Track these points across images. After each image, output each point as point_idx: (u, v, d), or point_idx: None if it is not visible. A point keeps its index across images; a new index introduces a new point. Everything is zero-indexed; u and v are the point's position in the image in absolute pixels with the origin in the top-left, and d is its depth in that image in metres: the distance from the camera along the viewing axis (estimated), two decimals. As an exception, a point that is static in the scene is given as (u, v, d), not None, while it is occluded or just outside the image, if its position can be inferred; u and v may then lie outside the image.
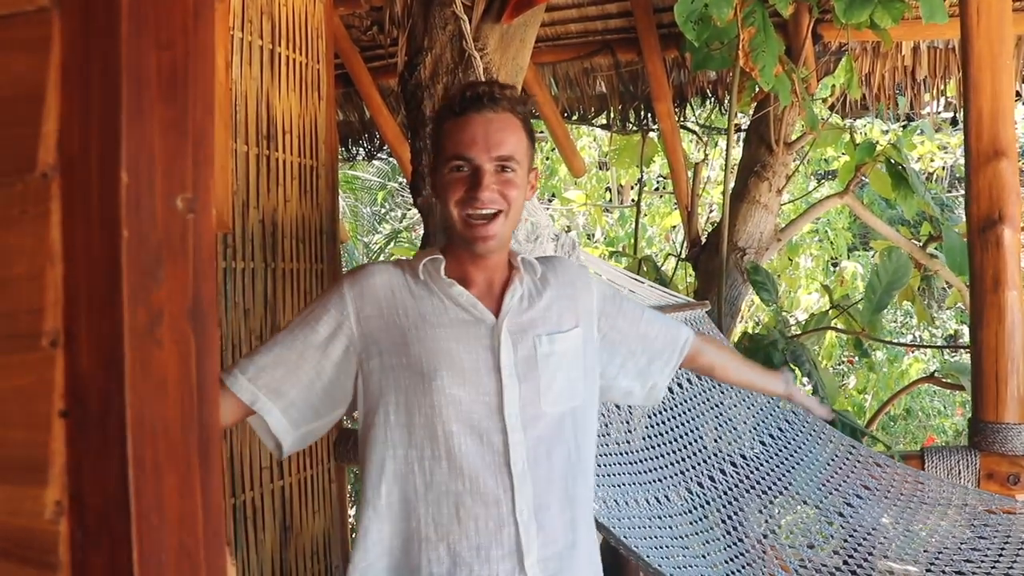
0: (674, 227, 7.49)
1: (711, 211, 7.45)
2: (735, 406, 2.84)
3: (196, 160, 0.61)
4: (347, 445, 3.50)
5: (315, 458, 3.42)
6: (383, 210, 10.14)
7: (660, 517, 2.31)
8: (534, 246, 2.50)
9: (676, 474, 2.51)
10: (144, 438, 0.53)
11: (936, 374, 3.53)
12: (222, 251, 2.89)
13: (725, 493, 2.51)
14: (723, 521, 2.41)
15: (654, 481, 2.44)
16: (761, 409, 2.85)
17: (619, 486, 2.34)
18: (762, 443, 2.74)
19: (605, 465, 2.34)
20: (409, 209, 9.86)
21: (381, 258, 9.59)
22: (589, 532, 1.61)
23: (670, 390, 2.70)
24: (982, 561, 2.20)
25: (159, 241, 0.57)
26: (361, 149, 5.91)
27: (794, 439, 2.78)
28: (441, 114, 1.58)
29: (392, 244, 9.40)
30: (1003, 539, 2.30)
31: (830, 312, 3.75)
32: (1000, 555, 2.22)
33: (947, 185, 10.70)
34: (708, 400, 2.80)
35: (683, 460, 2.57)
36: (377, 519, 1.55)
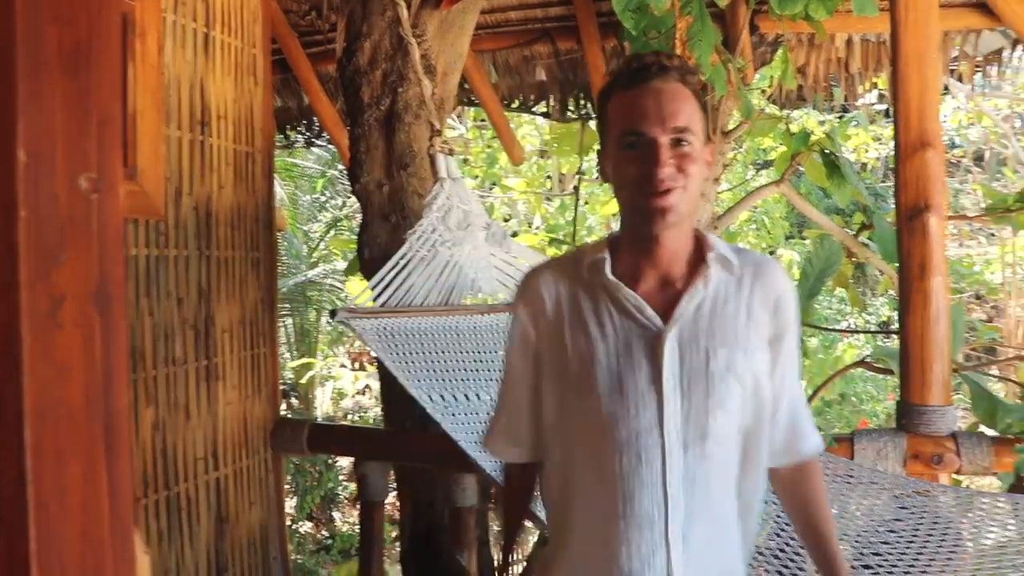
0: (613, 215, 7.54)
1: (650, 199, 7.50)
2: None
3: (101, 139, 0.59)
4: (284, 434, 3.47)
5: (251, 448, 3.37)
6: (323, 198, 10.04)
7: None
8: (465, 233, 2.51)
9: None
10: (44, 424, 0.51)
11: (868, 359, 3.61)
12: (154, 239, 2.83)
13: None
14: None
15: None
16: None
17: None
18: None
19: None
20: (350, 197, 9.76)
21: (321, 246, 9.49)
22: (737, 559, 1.50)
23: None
24: (898, 541, 2.27)
25: (61, 222, 0.56)
26: (300, 136, 5.84)
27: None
28: (606, 91, 1.45)
29: (332, 232, 9.32)
30: (918, 519, 2.38)
31: (764, 299, 3.79)
32: (915, 534, 2.29)
33: (881, 175, 10.94)
34: None
35: None
36: (553, 547, 1.55)
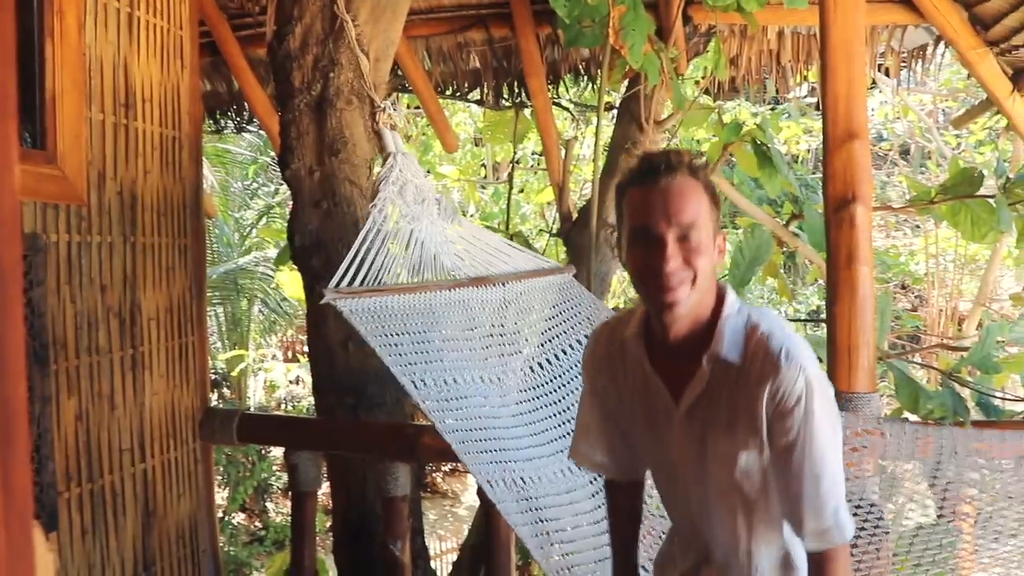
0: (548, 203, 7.55)
1: (584, 188, 7.55)
2: None
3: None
4: (213, 425, 3.41)
5: (179, 439, 3.30)
6: (255, 185, 9.86)
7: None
8: (422, 208, 2.47)
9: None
10: (-69, 415, 0.48)
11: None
12: (76, 224, 2.75)
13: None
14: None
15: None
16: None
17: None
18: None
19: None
20: (282, 184, 9.61)
21: (253, 234, 9.33)
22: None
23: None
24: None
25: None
26: (230, 121, 5.72)
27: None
28: (622, 186, 1.58)
29: (264, 220, 9.16)
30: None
31: (696, 287, 3.84)
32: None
33: (811, 167, 11.15)
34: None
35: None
36: None
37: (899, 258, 10.76)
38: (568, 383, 2.88)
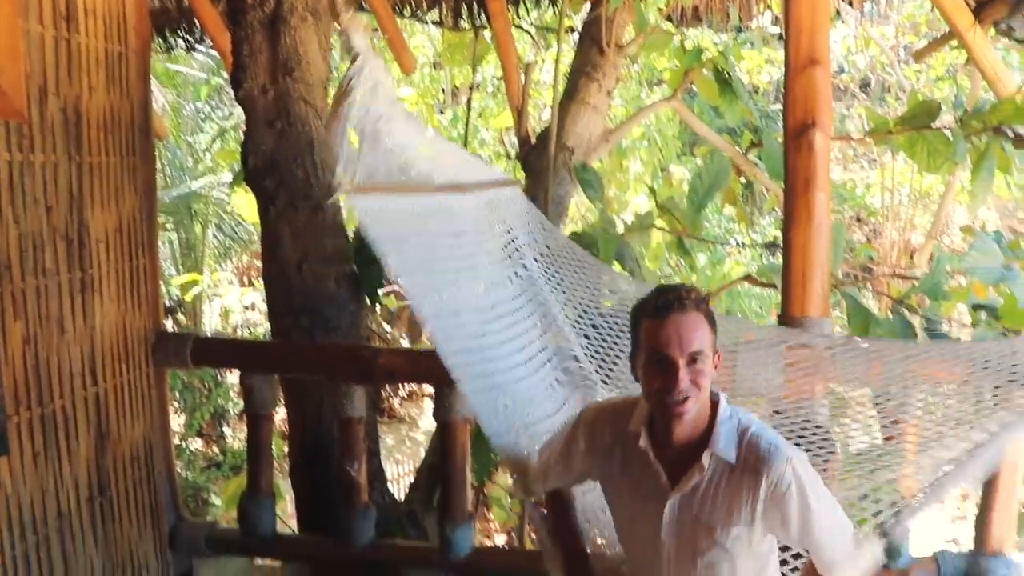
0: (507, 128, 7.46)
1: (544, 112, 7.47)
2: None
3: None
4: (167, 348, 3.37)
5: (132, 362, 3.26)
6: (208, 108, 9.61)
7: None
8: (395, 110, 2.39)
9: None
10: None
11: (753, 276, 3.71)
12: (16, 142, 2.65)
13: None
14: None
15: None
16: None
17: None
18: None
19: None
20: (236, 107, 9.37)
21: (207, 158, 9.14)
22: None
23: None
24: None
25: None
26: (180, 40, 5.55)
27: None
28: (637, 315, 1.91)
29: (219, 144, 8.94)
30: (792, 425, 2.52)
31: (654, 212, 3.85)
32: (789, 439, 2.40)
33: (772, 99, 11.14)
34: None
35: None
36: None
37: (855, 191, 10.85)
38: (524, 305, 2.87)
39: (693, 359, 1.81)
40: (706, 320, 1.85)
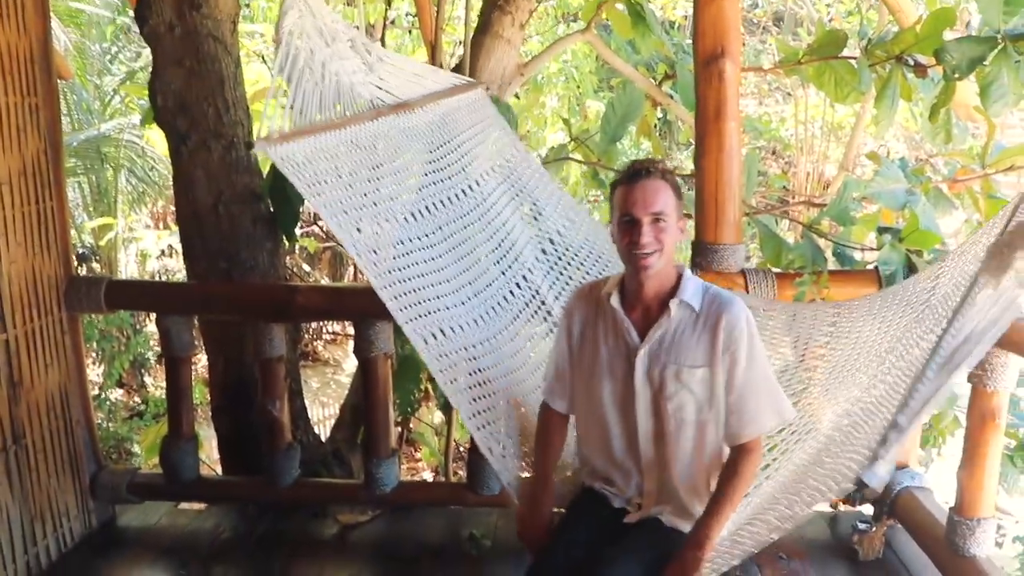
0: (424, 62, 7.35)
1: (457, 49, 7.39)
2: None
3: None
4: (79, 293, 3.29)
5: (43, 308, 3.18)
6: (115, 48, 9.23)
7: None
8: (331, 50, 2.34)
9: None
10: None
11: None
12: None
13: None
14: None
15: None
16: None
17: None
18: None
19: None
20: (145, 47, 9.01)
21: (115, 101, 8.82)
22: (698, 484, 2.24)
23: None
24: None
25: None
26: (80, -26, 5.31)
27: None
28: (614, 184, 2.21)
29: (127, 84, 8.59)
30: None
31: (569, 144, 3.87)
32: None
33: (688, 33, 11.18)
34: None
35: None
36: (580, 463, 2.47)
37: (770, 125, 11.02)
38: (488, 211, 2.88)
39: (656, 219, 2.09)
40: (671, 187, 2.13)
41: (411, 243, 2.49)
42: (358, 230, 2.25)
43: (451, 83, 3.11)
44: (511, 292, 2.79)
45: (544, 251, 2.93)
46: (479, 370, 2.49)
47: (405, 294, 2.34)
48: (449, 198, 2.75)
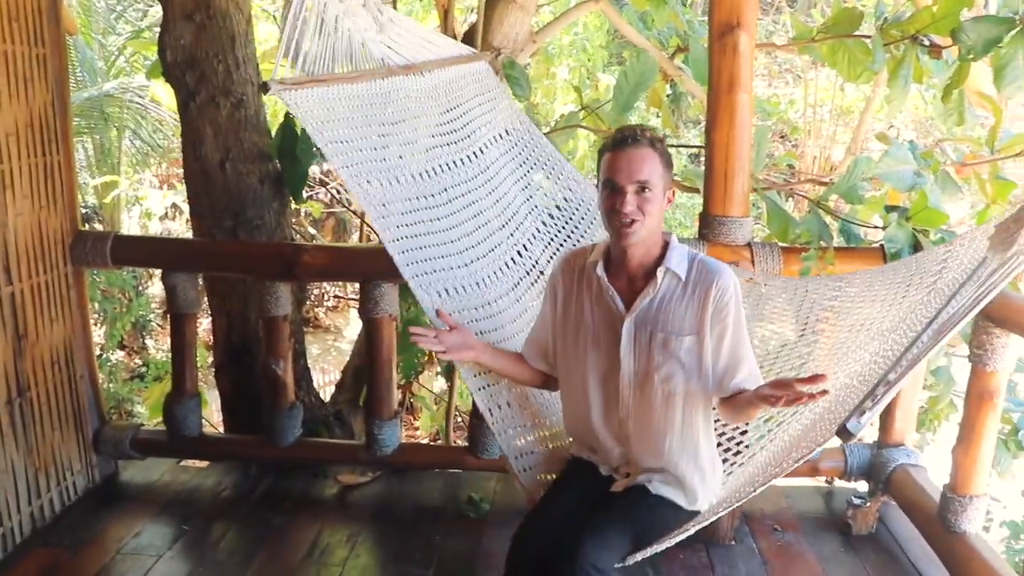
0: (435, 28, 7.31)
1: (471, 16, 7.35)
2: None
3: None
4: (85, 247, 3.29)
5: (49, 262, 3.18)
6: (120, 6, 9.14)
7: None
8: (344, 4, 2.34)
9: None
10: None
11: (677, 179, 3.75)
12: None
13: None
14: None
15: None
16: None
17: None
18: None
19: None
20: (152, 5, 8.93)
21: (120, 61, 8.75)
22: (676, 453, 2.19)
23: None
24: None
25: None
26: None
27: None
28: (601, 150, 2.14)
29: (133, 41, 8.49)
30: None
31: (580, 113, 3.85)
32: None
33: (701, 11, 11.11)
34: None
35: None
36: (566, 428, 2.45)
37: (779, 107, 10.96)
38: (493, 178, 2.89)
39: (641, 188, 2.03)
40: (658, 156, 2.06)
41: (418, 201, 2.51)
42: (368, 182, 2.27)
43: (459, 52, 3.10)
44: (512, 260, 2.80)
45: (544, 223, 2.94)
46: (481, 332, 2.50)
47: (412, 250, 2.37)
48: (455, 161, 2.77)
